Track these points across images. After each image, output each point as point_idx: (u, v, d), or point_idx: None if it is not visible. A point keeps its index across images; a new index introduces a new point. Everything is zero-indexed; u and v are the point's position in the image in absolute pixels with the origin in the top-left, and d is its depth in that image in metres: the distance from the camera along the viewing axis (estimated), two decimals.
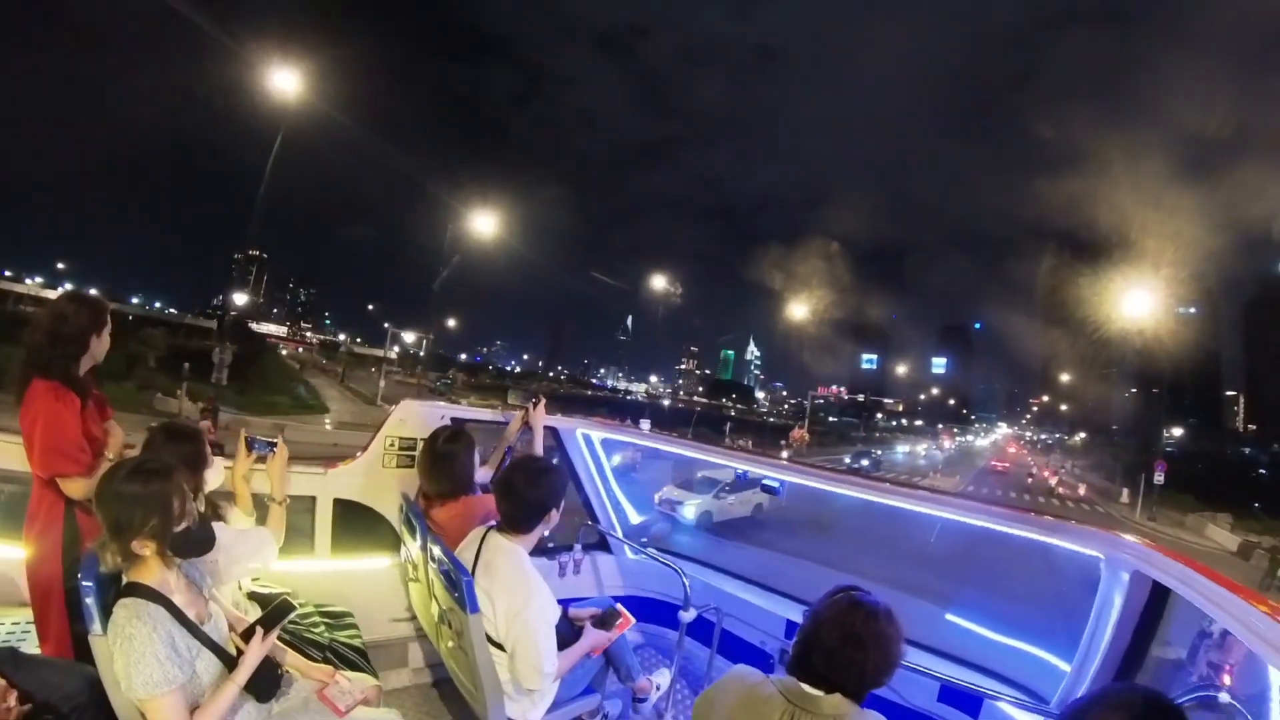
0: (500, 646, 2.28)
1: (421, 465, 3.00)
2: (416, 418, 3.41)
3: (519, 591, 2.29)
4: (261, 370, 40.03)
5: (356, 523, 3.25)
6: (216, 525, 2.05)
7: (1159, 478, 35.58)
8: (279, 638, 2.05)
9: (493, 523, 2.51)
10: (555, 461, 3.34)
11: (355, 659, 2.56)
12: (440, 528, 2.78)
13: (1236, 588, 1.53)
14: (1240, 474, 63.75)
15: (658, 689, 3.01)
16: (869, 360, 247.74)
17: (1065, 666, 2.64)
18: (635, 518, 4.48)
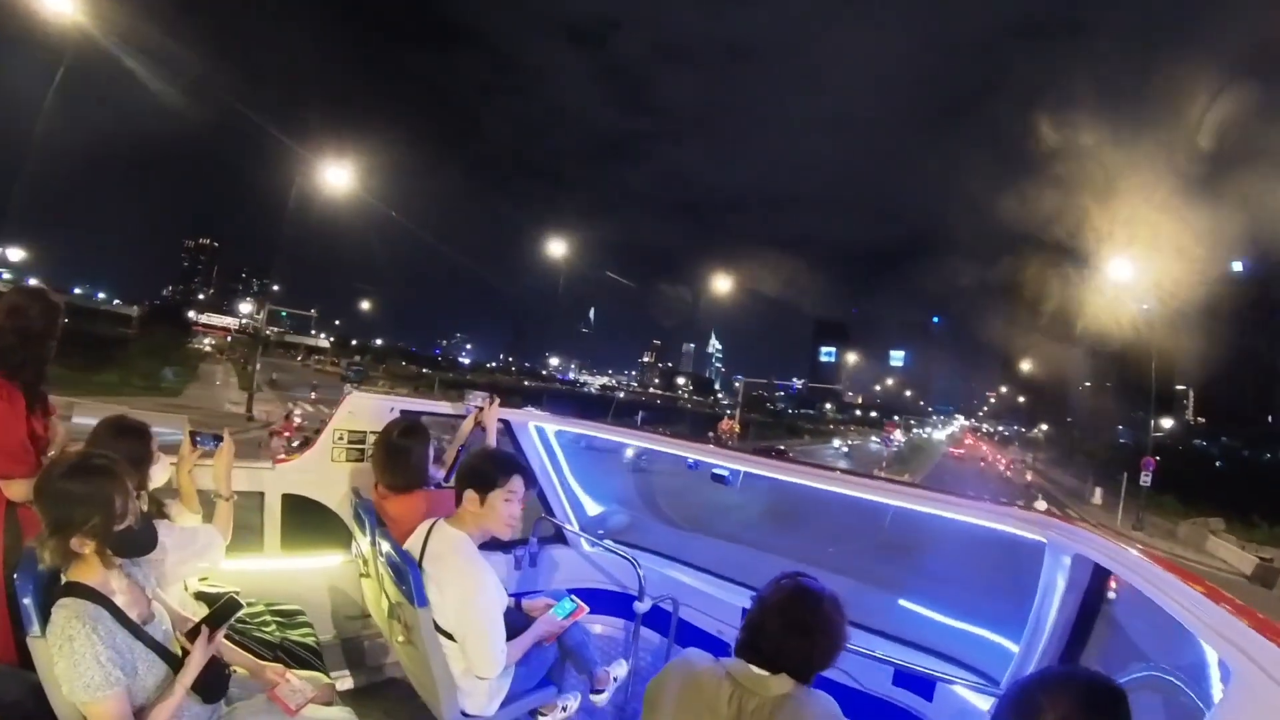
0: (451, 636, 2.27)
1: (376, 459, 3.00)
2: (365, 410, 3.37)
3: (467, 579, 2.28)
4: (130, 354, 40.66)
5: (307, 518, 3.20)
6: (162, 524, 2.06)
7: (1146, 478, 29.44)
8: (227, 637, 2.08)
9: (441, 517, 2.49)
10: (508, 459, 3.03)
11: (308, 658, 2.53)
12: (395, 522, 2.77)
13: (1173, 568, 1.60)
14: (1216, 471, 59.87)
15: (615, 680, 3.00)
16: (828, 354, 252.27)
17: (1015, 648, 2.70)
18: (593, 509, 4.49)
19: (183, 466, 2.58)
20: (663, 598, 3.37)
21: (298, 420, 23.35)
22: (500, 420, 3.58)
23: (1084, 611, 2.32)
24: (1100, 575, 2.22)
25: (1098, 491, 39.71)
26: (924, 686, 2.87)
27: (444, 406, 3.78)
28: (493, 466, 2.45)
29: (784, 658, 1.52)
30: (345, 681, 3.07)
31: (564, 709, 2.89)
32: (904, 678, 2.93)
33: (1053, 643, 2.37)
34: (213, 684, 1.81)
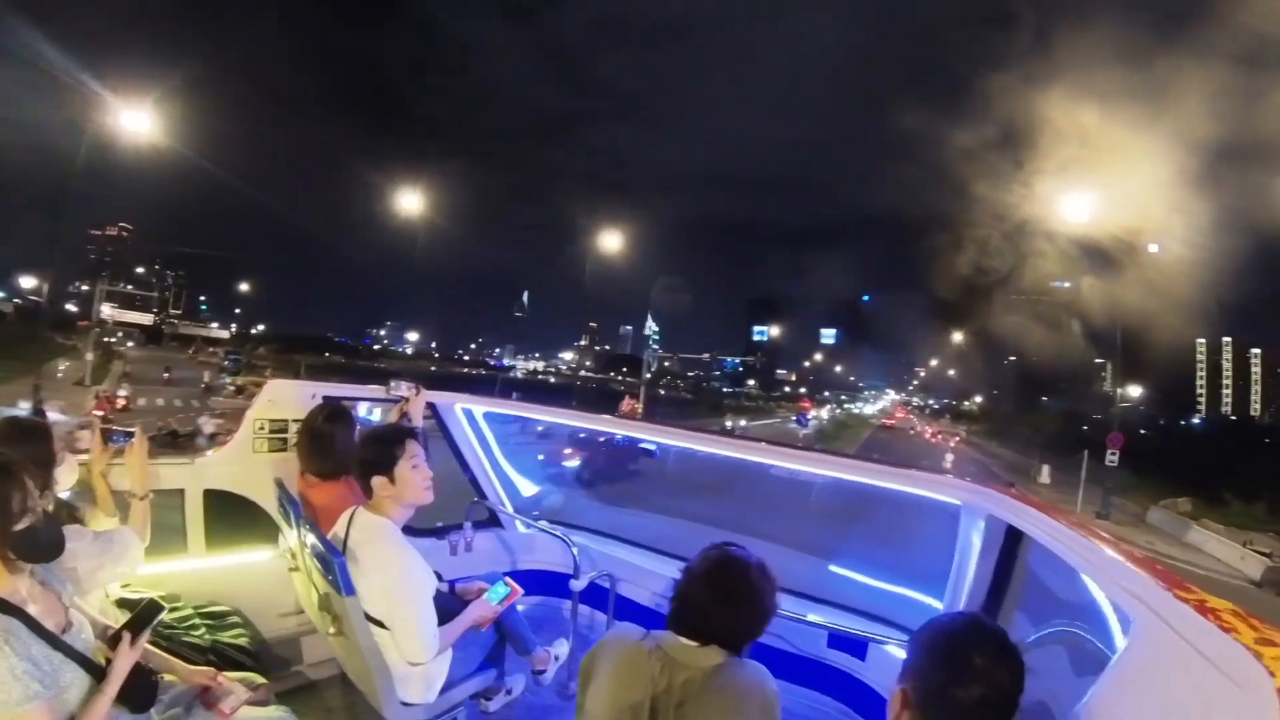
0: (382, 624, 2.24)
1: (300, 445, 2.95)
2: (286, 398, 3.28)
3: (391, 564, 2.25)
4: None
5: (231, 514, 3.09)
6: (74, 528, 2.02)
7: (1112, 457, 24.20)
8: (154, 644, 2.05)
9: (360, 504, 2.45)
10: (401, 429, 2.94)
11: (241, 659, 2.48)
12: (321, 511, 2.74)
13: (1076, 523, 1.68)
14: (1161, 443, 57.15)
15: (556, 659, 3.02)
16: (760, 333, 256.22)
17: (940, 606, 2.84)
18: (527, 490, 4.45)
19: (94, 467, 2.47)
20: (600, 575, 3.42)
21: (122, 400, 23.64)
22: (426, 404, 3.52)
23: (999, 569, 2.42)
24: (1013, 534, 2.31)
25: (1045, 470, 35.12)
26: (857, 647, 3.04)
27: (368, 391, 3.63)
28: (384, 444, 2.38)
29: (713, 628, 1.52)
30: (283, 681, 2.95)
31: (508, 692, 2.91)
32: (837, 640, 3.09)
33: (973, 601, 2.49)
34: (140, 692, 1.75)
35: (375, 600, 2.22)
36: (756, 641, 2.16)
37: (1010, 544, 2.36)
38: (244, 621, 2.78)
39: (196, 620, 2.62)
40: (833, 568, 3.67)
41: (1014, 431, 68.79)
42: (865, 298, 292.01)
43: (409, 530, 2.68)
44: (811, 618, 2.98)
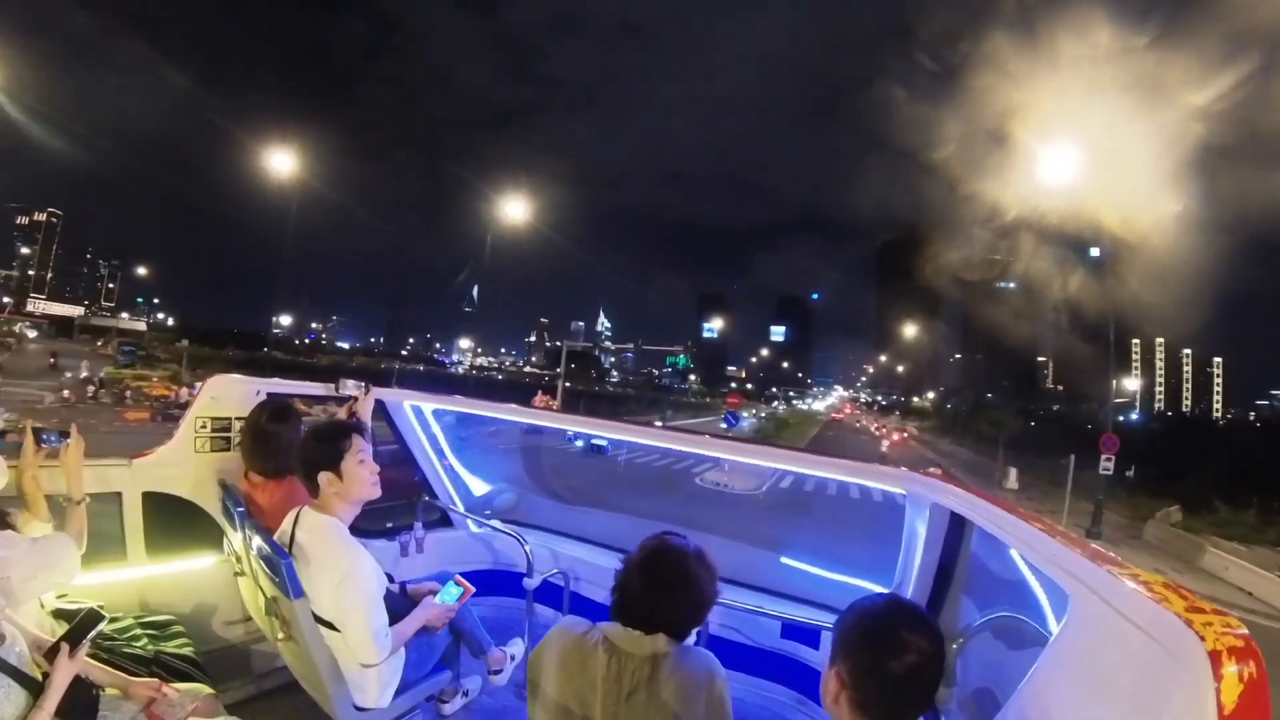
0: (332, 626, 2.19)
1: (244, 444, 2.86)
2: (229, 395, 3.16)
3: (339, 563, 2.19)
4: None
5: (172, 518, 2.95)
6: (6, 535, 1.94)
7: (1107, 464, 19.94)
8: (94, 656, 1.97)
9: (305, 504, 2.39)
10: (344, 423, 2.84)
11: (186, 669, 2.36)
12: (266, 512, 2.67)
13: (1015, 510, 1.70)
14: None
15: (512, 659, 3.00)
16: (709, 329, 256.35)
17: None
18: (479, 489, 4.38)
19: (25, 470, 2.33)
20: (553, 573, 3.40)
21: None
22: (375, 401, 3.46)
23: (945, 557, 2.45)
24: (957, 522, 2.34)
25: (1012, 474, 31.24)
26: (810, 636, 3.09)
27: (315, 388, 3.52)
28: (328, 440, 2.32)
29: (653, 616, 1.52)
30: (232, 692, 2.86)
31: (464, 694, 2.95)
32: (791, 630, 3.16)
33: (920, 588, 2.51)
34: (79, 707, 1.71)
35: (324, 601, 2.17)
36: (711, 634, 2.86)
37: (954, 531, 2.40)
38: (189, 630, 2.63)
39: (138, 630, 2.48)
40: (784, 559, 3.71)
41: (969, 428, 65.82)
42: (814, 296, 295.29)
43: (358, 532, 2.63)
44: (764, 609, 3.05)
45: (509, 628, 3.44)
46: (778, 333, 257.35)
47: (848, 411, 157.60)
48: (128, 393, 28.97)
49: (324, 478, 2.24)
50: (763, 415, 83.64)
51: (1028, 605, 1.77)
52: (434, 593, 2.69)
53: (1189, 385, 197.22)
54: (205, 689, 2.18)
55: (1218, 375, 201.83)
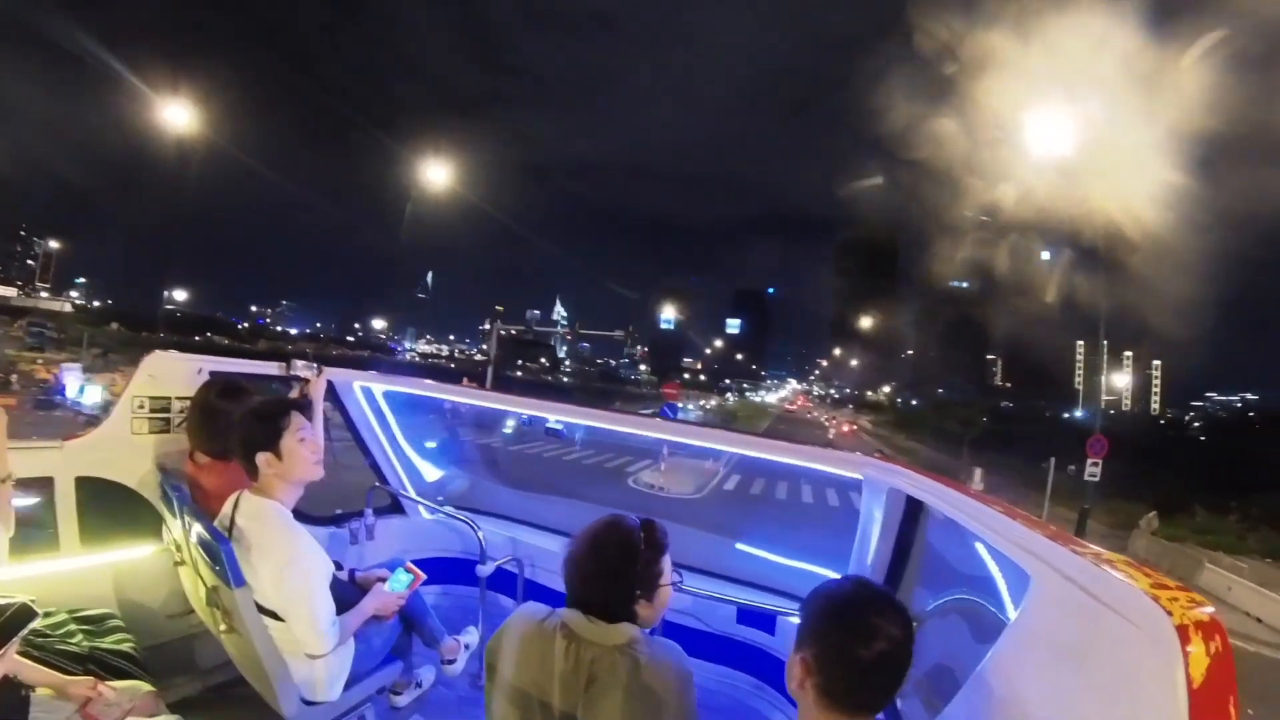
0: (277, 616, 2.11)
1: (191, 423, 2.74)
2: (169, 373, 2.98)
3: (281, 548, 2.12)
4: None
5: (108, 505, 2.76)
6: None
7: (1093, 470, 17.42)
8: (25, 653, 1.87)
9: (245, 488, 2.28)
10: (282, 401, 2.79)
11: (124, 666, 2.24)
12: (212, 495, 2.53)
13: (971, 493, 1.72)
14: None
15: (466, 648, 2.93)
16: (666, 321, 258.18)
17: None
18: (431, 475, 4.29)
19: None
20: (508, 560, 3.37)
21: None
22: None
23: (900, 541, 2.49)
24: (914, 505, 2.36)
25: (977, 474, 28.75)
26: (766, 621, 3.10)
27: (260, 367, 3.37)
28: (266, 418, 2.24)
29: (604, 596, 1.49)
30: (175, 689, 2.69)
31: (418, 684, 2.88)
32: (747, 615, 3.15)
33: (875, 573, 2.52)
34: (9, 708, 1.65)
35: (267, 590, 2.10)
36: (667, 620, 2.74)
37: (910, 516, 2.42)
38: (127, 625, 2.48)
39: (72, 626, 2.35)
40: (740, 546, 3.73)
41: (928, 424, 64.11)
42: (770, 290, 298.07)
43: (305, 518, 2.68)
44: (720, 595, 3.08)
45: (463, 616, 3.40)
46: (733, 325, 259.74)
47: (800, 404, 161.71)
48: (13, 376, 27.65)
49: (262, 458, 2.17)
50: (708, 407, 78.84)
51: (982, 587, 1.81)
52: (383, 580, 2.63)
53: (1130, 386, 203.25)
54: (145, 686, 2.09)
55: (1156, 377, 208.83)
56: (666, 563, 1.57)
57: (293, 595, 2.09)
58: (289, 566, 2.09)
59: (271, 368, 3.32)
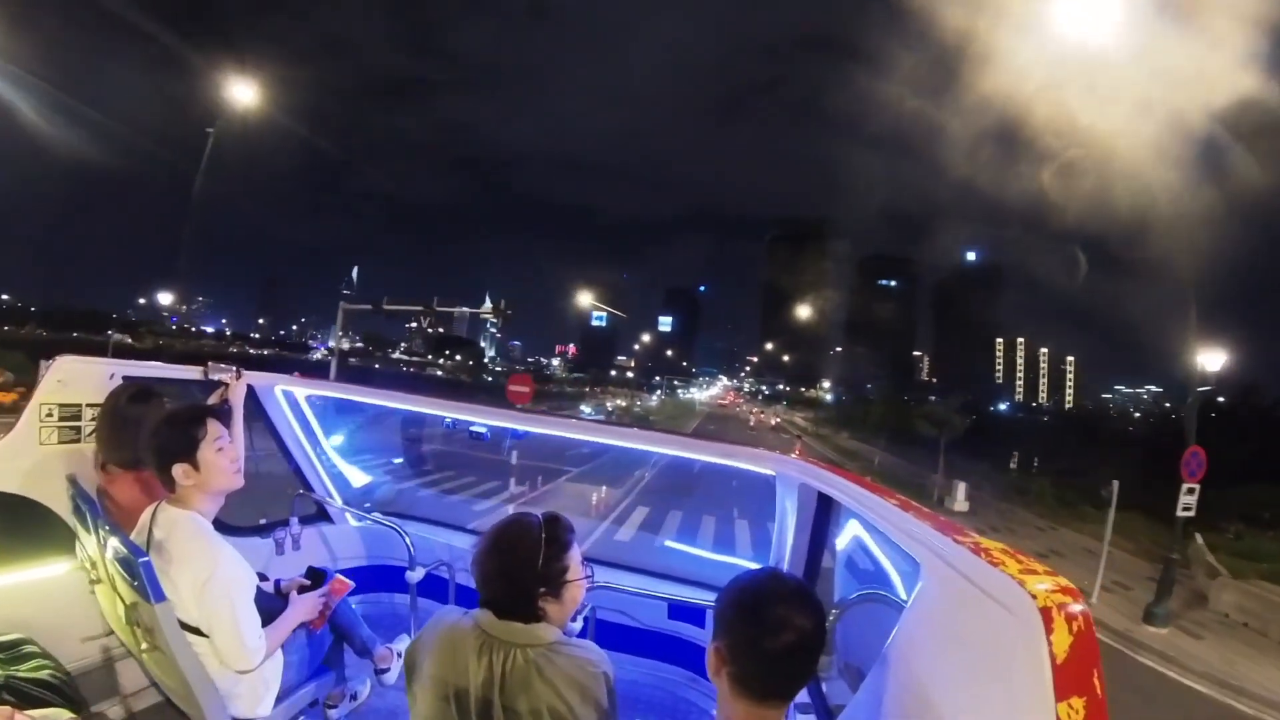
0: (199, 631, 2.04)
1: (100, 432, 2.63)
2: (79, 378, 2.82)
3: (201, 560, 2.04)
4: None
5: (16, 521, 2.61)
6: None
7: (1188, 500, 11.95)
8: None
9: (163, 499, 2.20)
10: (198, 408, 2.65)
11: (42, 694, 2.15)
12: (127, 509, 2.44)
13: (876, 488, 1.78)
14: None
15: (399, 656, 2.91)
16: (598, 318, 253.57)
17: None
18: (358, 480, 4.18)
19: None
20: (437, 565, 3.34)
21: None
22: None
23: (815, 534, 2.56)
24: (825, 500, 2.41)
25: (960, 490, 23.35)
26: (696, 615, 3.15)
27: (176, 370, 3.26)
28: (181, 426, 2.15)
29: (508, 596, 1.48)
30: (100, 715, 2.58)
31: (353, 696, 2.81)
32: (678, 610, 3.21)
33: (794, 565, 2.60)
34: None
35: (188, 605, 2.02)
36: (598, 618, 2.95)
37: (823, 510, 2.49)
38: (42, 651, 2.35)
39: None
40: (668, 543, 4.19)
41: (872, 421, 59.02)
42: (701, 288, 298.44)
43: (228, 528, 2.61)
44: (651, 591, 3.13)
45: (395, 624, 3.39)
46: (665, 323, 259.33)
47: (730, 399, 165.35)
48: None
49: (179, 470, 2.08)
50: (610, 408, 67.01)
51: (890, 577, 1.91)
52: (305, 589, 2.60)
53: (1045, 380, 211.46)
54: (66, 714, 2.05)
55: (1069, 371, 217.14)
56: (573, 559, 1.55)
57: (216, 610, 2.01)
58: (211, 580, 2.00)
59: (188, 371, 3.18)
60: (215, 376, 3.08)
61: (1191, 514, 11.68)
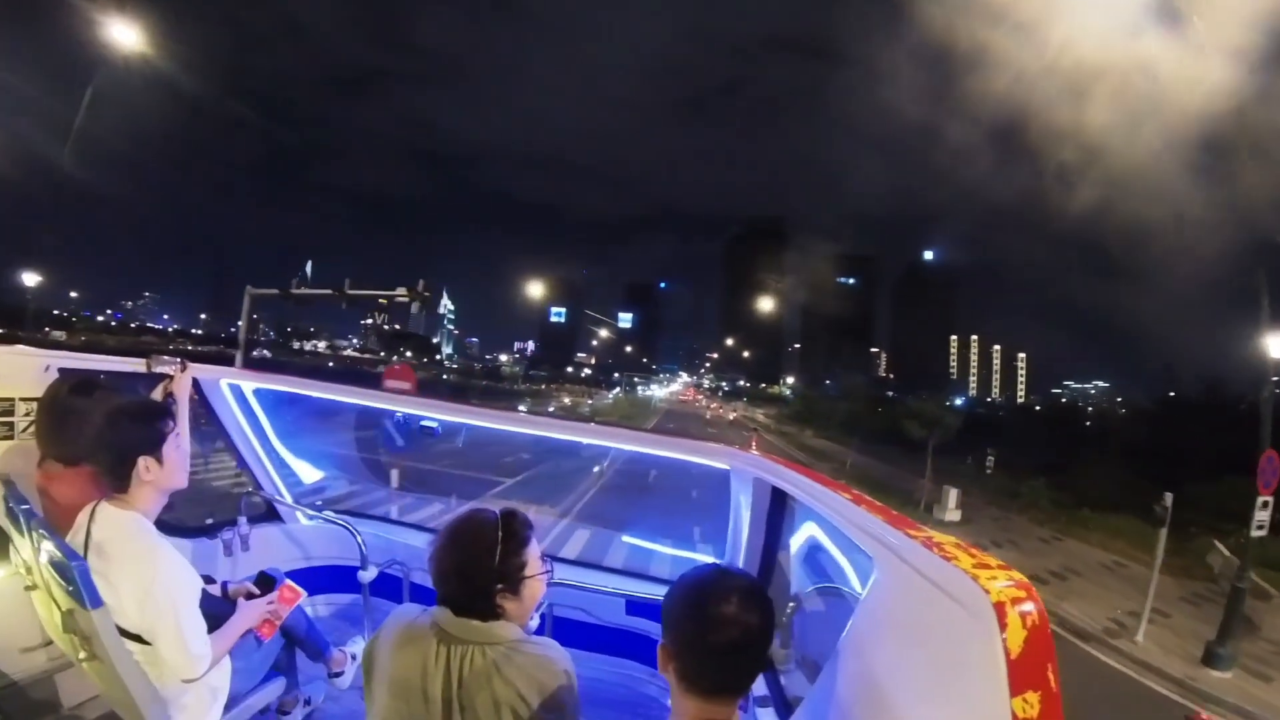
0: (141, 639, 1.96)
1: (40, 425, 2.50)
2: (12, 371, 2.68)
3: (142, 564, 1.96)
4: None
5: None
6: None
7: (1263, 519, 10.03)
8: None
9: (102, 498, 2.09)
10: (160, 402, 2.70)
11: None
12: (67, 508, 2.27)
13: (829, 482, 1.76)
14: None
15: (353, 659, 2.84)
16: (558, 314, 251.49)
17: None
18: (310, 477, 4.07)
19: None
20: (391, 564, 3.31)
21: None
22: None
23: (770, 529, 2.55)
24: (779, 495, 2.40)
25: (952, 496, 21.06)
26: (654, 611, 3.04)
27: (118, 363, 3.06)
28: (148, 420, 2.10)
29: (466, 594, 1.45)
30: None
31: (306, 701, 2.73)
32: (636, 606, 3.20)
33: (750, 559, 2.60)
34: None
35: (129, 611, 1.93)
36: (556, 615, 2.95)
37: (777, 504, 2.47)
38: None
39: None
40: (625, 538, 4.30)
41: (833, 416, 56.61)
42: (662, 285, 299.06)
43: (173, 529, 2.49)
44: (608, 587, 3.13)
45: (349, 626, 3.33)
46: (625, 318, 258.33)
47: (691, 395, 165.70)
48: None
49: (144, 463, 2.01)
50: (552, 409, 57.81)
51: (845, 571, 1.89)
52: (253, 595, 2.50)
53: (998, 376, 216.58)
54: None
55: (1021, 368, 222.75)
56: (531, 554, 1.52)
57: (159, 616, 1.93)
58: (153, 585, 1.92)
59: (130, 364, 3.03)
60: (159, 369, 2.95)
61: (1264, 532, 9.71)
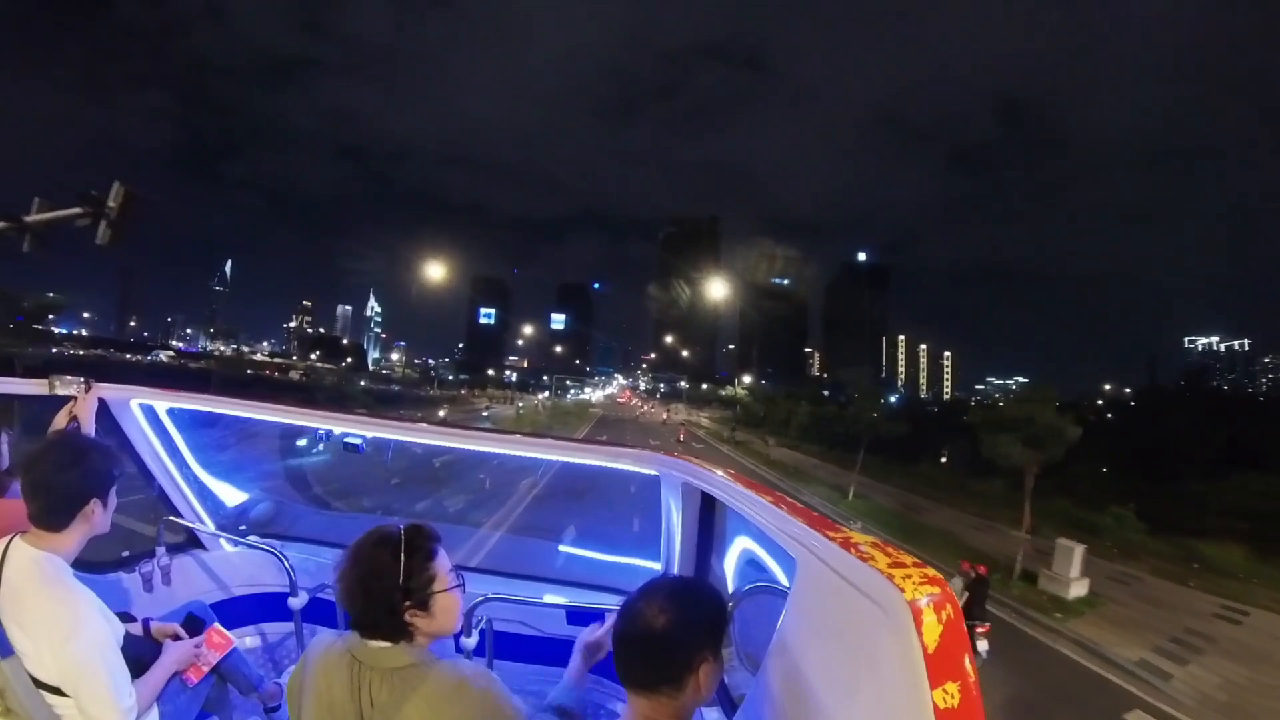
0: (60, 691, 1.82)
1: None
2: None
3: (61, 614, 1.81)
4: None
5: None
6: None
7: None
8: None
9: (15, 534, 1.92)
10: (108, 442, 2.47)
11: None
12: None
13: (748, 483, 1.82)
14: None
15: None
16: (487, 314, 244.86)
17: (660, 569, 3.00)
18: (233, 499, 3.78)
19: None
20: (322, 588, 3.17)
21: None
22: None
23: (703, 533, 2.58)
24: (709, 500, 2.41)
25: (1077, 558, 15.91)
26: (595, 618, 2.91)
27: (15, 385, 2.84)
28: (108, 456, 2.00)
29: (375, 616, 1.40)
30: None
31: None
32: (576, 615, 3.14)
33: (685, 562, 2.64)
34: None
35: (45, 661, 1.80)
36: (496, 630, 2.87)
37: (708, 507, 2.48)
38: None
39: None
40: (562, 547, 3.77)
41: (791, 421, 52.72)
42: (596, 285, 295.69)
43: (88, 565, 2.29)
44: (548, 599, 3.12)
45: (282, 656, 3.23)
46: (558, 320, 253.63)
47: (627, 398, 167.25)
48: None
49: (94, 505, 1.90)
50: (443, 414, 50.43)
51: (776, 571, 1.93)
52: (179, 637, 2.36)
53: (924, 374, 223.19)
54: None
55: (948, 366, 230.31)
56: (439, 567, 1.47)
57: (80, 670, 1.80)
58: (73, 638, 1.78)
59: (30, 385, 2.81)
60: (62, 391, 2.75)
61: None
